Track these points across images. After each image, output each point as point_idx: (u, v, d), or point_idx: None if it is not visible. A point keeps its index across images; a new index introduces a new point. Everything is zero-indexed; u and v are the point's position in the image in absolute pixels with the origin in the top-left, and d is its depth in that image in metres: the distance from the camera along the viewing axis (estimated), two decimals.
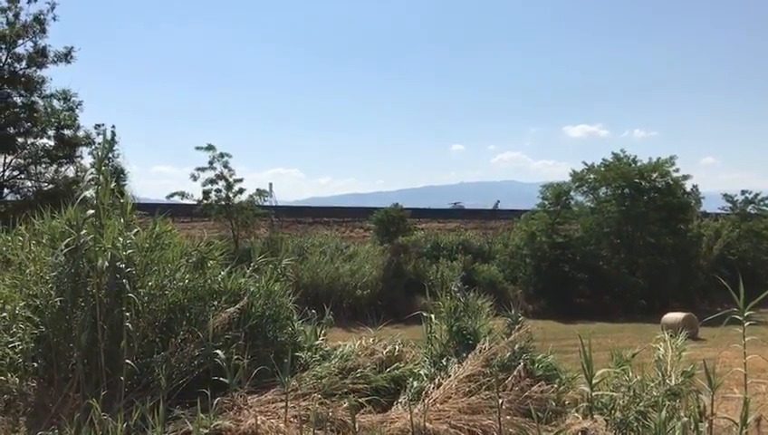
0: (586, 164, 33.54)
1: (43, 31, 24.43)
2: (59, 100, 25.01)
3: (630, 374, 5.59)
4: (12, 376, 5.03)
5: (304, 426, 4.53)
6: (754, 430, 4.35)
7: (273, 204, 33.21)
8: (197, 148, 27.72)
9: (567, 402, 5.48)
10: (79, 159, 25.41)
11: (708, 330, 15.12)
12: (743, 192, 37.51)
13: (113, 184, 5.62)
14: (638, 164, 32.46)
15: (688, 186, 33.80)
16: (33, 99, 24.67)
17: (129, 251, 5.33)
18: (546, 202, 32.48)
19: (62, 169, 25.29)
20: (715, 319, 4.77)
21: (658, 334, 6.37)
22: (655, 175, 32.25)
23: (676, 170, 32.36)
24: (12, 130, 24.23)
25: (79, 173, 24.53)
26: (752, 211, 36.92)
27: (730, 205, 37.49)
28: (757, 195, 37.09)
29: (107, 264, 5.09)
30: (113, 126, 25.24)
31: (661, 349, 5.98)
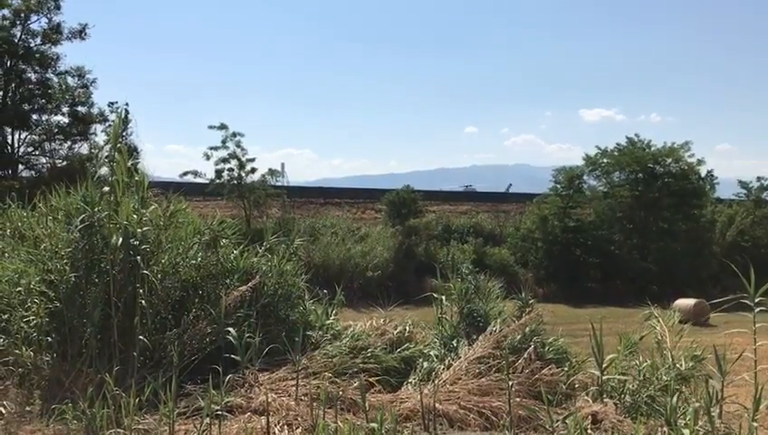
0: (599, 148, 33.34)
1: (58, 7, 24.52)
2: (73, 77, 25.11)
3: (640, 359, 5.58)
4: (26, 350, 5.08)
5: (315, 404, 4.56)
6: (765, 416, 4.33)
7: (285, 184, 33.27)
8: (210, 127, 27.79)
9: (577, 386, 5.49)
10: (93, 136, 25.56)
11: (720, 316, 15.05)
12: (758, 179, 37.16)
13: (129, 162, 5.64)
14: (653, 149, 32.20)
15: (703, 171, 33.57)
16: (47, 75, 24.75)
17: (144, 228, 5.36)
18: (558, 186, 32.32)
19: (76, 146, 25.45)
20: (727, 305, 4.74)
21: (645, 311, 6.32)
22: (669, 160, 32.00)
23: (691, 156, 32.12)
24: (26, 107, 24.34)
25: (93, 150, 24.63)
26: (767, 198, 36.57)
27: (745, 191, 37.14)
28: None
29: (121, 240, 5.13)
30: (126, 104, 25.30)
31: (657, 327, 5.96)
